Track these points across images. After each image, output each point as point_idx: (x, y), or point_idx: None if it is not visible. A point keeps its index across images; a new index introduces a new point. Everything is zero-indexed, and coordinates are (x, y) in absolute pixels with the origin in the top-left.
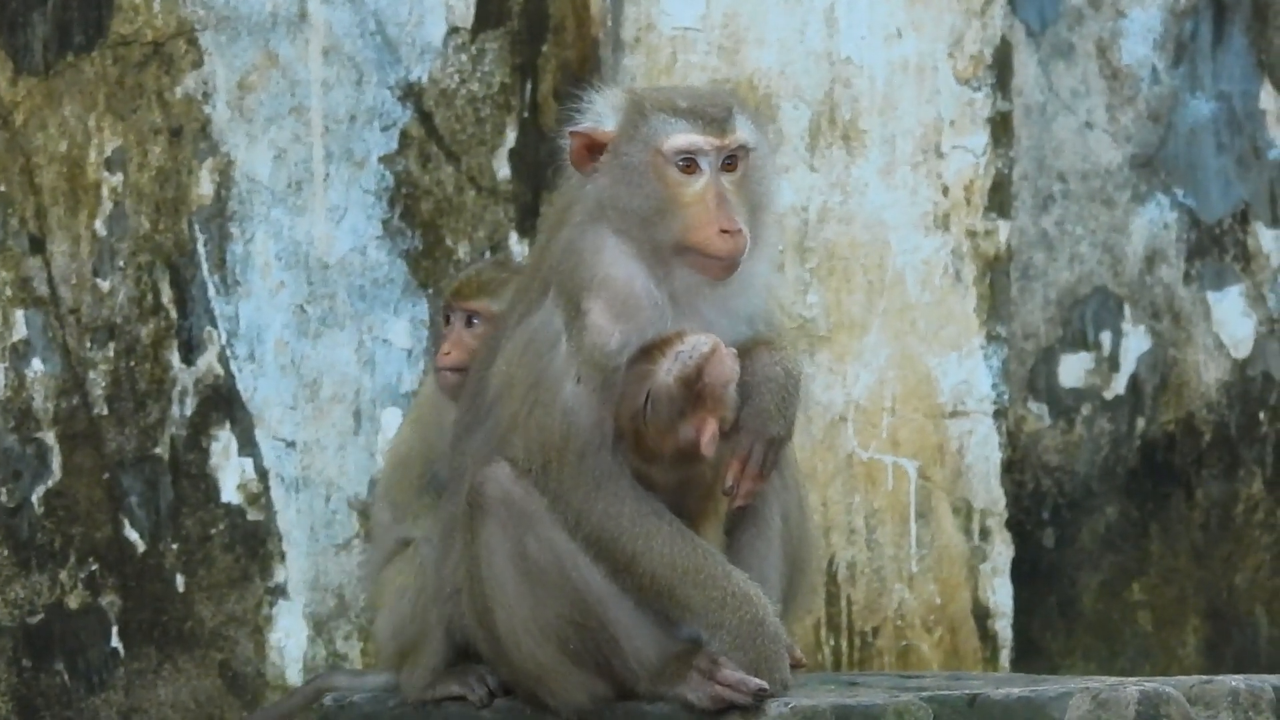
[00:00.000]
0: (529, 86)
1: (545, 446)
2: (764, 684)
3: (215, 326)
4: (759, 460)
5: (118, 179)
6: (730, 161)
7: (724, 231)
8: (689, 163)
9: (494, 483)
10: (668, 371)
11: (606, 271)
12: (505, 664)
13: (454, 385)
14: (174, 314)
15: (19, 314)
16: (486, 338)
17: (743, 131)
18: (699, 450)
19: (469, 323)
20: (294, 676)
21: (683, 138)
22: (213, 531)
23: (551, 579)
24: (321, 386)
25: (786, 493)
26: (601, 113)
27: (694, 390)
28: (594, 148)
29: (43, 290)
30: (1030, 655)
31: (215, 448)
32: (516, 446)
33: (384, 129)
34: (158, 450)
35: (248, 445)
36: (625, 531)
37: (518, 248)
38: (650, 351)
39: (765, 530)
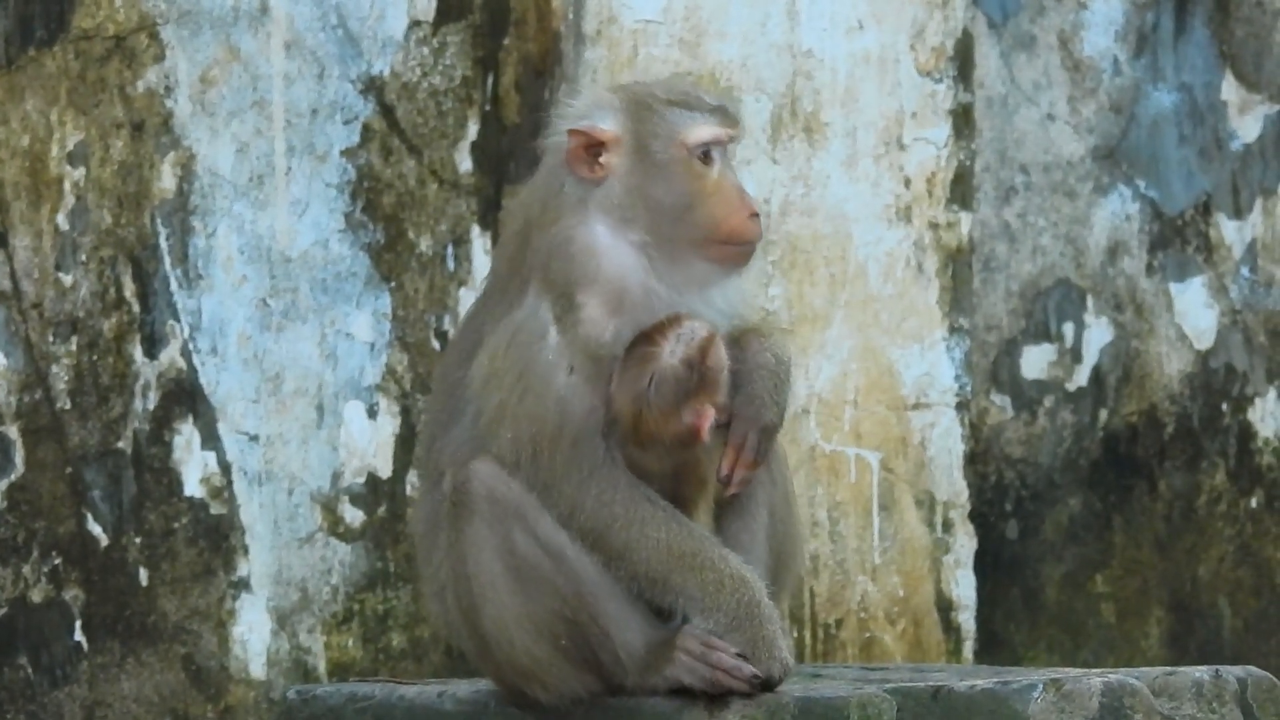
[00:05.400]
0: (490, 80)
1: (537, 436)
2: (757, 672)
3: (178, 320)
4: (753, 448)
5: (80, 173)
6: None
7: (752, 216)
8: (707, 154)
9: (478, 480)
10: (671, 354)
11: (601, 265)
12: (491, 661)
13: None
14: (136, 308)
15: None
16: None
17: (743, 120)
18: (698, 436)
19: None
20: (257, 670)
21: (706, 130)
22: (176, 525)
23: (540, 574)
24: (284, 380)
25: (774, 487)
26: (592, 112)
27: (696, 372)
28: (593, 147)
29: (5, 285)
30: (993, 647)
31: (178, 442)
32: (503, 439)
33: (346, 122)
34: (120, 444)
35: (210, 439)
36: (619, 519)
37: (479, 240)
38: (650, 335)
39: (750, 524)
